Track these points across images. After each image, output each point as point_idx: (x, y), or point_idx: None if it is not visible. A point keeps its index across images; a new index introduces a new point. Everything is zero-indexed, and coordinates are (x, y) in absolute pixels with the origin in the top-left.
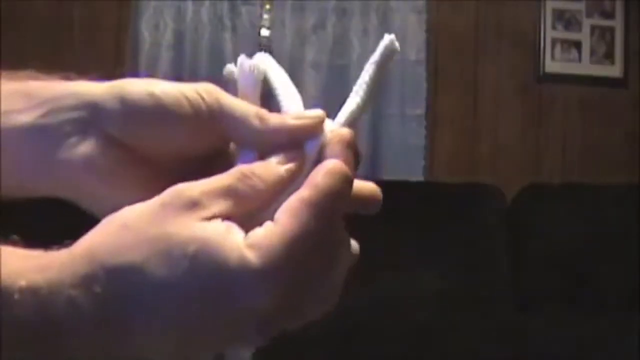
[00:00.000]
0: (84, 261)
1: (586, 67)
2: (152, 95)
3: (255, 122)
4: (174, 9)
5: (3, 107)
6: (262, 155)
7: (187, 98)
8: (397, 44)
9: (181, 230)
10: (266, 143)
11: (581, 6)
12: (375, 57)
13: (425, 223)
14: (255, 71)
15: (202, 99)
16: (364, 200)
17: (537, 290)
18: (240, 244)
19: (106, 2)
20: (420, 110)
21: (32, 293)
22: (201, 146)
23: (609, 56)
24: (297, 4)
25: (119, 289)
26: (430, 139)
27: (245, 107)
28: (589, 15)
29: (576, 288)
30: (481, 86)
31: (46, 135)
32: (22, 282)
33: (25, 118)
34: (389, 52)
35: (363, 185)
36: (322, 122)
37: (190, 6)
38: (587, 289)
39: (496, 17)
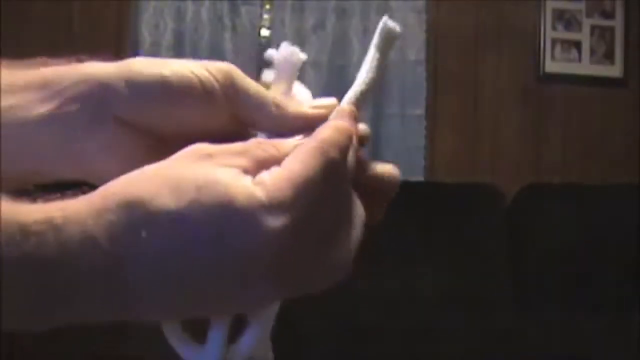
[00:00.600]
0: (99, 198)
1: (586, 67)
2: (160, 76)
3: (273, 109)
4: (174, 9)
5: (20, 101)
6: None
7: (199, 79)
8: (392, 24)
9: (193, 170)
10: (281, 129)
11: (581, 6)
12: (375, 39)
13: (425, 223)
14: (294, 57)
15: (216, 80)
16: (382, 176)
17: (537, 291)
18: (248, 184)
19: (106, 2)
20: (420, 110)
21: (51, 227)
22: (215, 125)
23: (609, 56)
24: (297, 4)
25: (130, 221)
26: (430, 139)
27: (261, 93)
28: (589, 15)
29: (576, 288)
30: (481, 86)
31: (62, 125)
32: (40, 216)
33: (42, 110)
34: (387, 34)
35: (380, 165)
36: (334, 109)
37: (190, 6)
38: (587, 289)
39: (496, 17)
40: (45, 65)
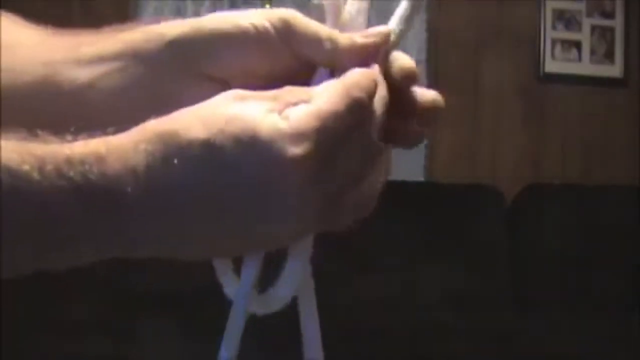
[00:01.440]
0: (138, 132)
1: (586, 67)
2: (222, 30)
3: (327, 45)
4: (174, 8)
5: (109, 70)
6: (336, 73)
7: (255, 28)
8: None
9: (225, 107)
10: (338, 62)
11: (581, 6)
12: None
13: (425, 224)
14: None
15: (273, 27)
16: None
17: (537, 291)
18: (273, 118)
19: (106, 1)
20: None
21: (95, 158)
22: (279, 71)
23: (609, 56)
24: (297, 4)
25: (165, 150)
26: (430, 139)
27: (317, 31)
28: (589, 15)
29: (576, 289)
30: (481, 86)
31: (151, 86)
32: (85, 149)
33: (132, 75)
34: None
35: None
36: (388, 37)
37: (190, 6)
38: (587, 290)
39: (496, 17)
40: (122, 31)
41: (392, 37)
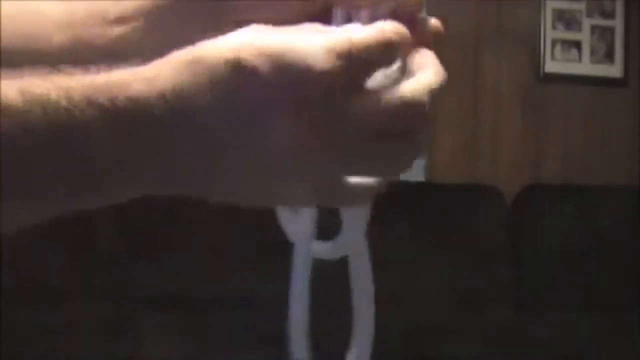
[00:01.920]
0: (165, 60)
1: (586, 67)
2: None
3: None
4: None
5: (141, 25)
6: (355, 17)
7: None
8: None
9: (252, 34)
10: (361, 4)
11: (581, 6)
12: None
13: (425, 224)
14: None
15: None
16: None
17: (537, 291)
18: (306, 38)
19: None
20: None
21: (122, 84)
22: (303, 15)
23: (609, 56)
24: None
25: (192, 75)
26: (430, 139)
27: None
28: (589, 15)
29: (576, 288)
30: (481, 86)
31: (179, 41)
32: (111, 77)
33: (160, 31)
34: None
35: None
36: None
37: None
38: (587, 290)
39: (496, 17)
40: None
41: None
